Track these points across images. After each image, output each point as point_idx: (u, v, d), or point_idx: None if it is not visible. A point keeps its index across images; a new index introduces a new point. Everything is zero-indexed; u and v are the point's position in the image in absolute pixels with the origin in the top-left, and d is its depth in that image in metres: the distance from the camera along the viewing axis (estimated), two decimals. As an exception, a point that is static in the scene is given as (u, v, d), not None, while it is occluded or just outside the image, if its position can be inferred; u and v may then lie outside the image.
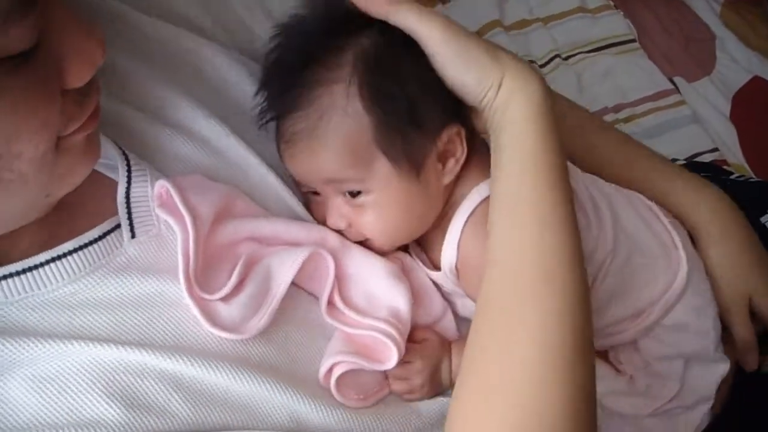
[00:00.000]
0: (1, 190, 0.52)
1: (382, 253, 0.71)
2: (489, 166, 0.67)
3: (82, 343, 0.57)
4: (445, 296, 0.75)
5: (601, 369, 0.82)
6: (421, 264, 0.74)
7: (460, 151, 0.71)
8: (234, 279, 0.61)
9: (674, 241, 0.80)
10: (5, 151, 0.49)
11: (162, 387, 0.57)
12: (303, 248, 0.64)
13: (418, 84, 0.68)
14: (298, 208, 0.71)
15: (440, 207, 0.73)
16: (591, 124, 0.95)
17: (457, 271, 0.71)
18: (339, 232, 0.71)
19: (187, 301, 0.59)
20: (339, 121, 0.66)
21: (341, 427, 0.63)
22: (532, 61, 1.49)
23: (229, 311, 0.61)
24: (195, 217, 0.61)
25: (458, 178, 0.72)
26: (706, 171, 1.19)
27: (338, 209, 0.70)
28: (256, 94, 0.72)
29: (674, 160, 1.30)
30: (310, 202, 0.74)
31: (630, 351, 0.80)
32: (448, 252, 0.70)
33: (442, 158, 0.71)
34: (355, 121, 0.66)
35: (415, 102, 0.68)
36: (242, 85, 0.76)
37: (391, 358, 0.65)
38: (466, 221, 0.69)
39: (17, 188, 0.53)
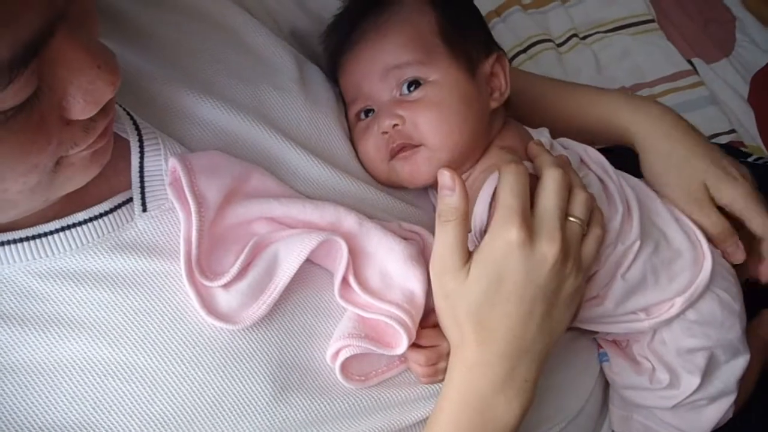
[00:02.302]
0: None
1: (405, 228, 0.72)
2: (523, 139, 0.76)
3: (72, 337, 0.58)
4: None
5: (621, 364, 0.83)
6: None
7: (504, 85, 0.79)
8: (236, 267, 0.61)
9: (698, 237, 0.80)
10: None
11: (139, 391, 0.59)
12: (313, 235, 0.63)
13: (475, 11, 0.83)
14: (325, 174, 0.71)
15: (486, 135, 0.77)
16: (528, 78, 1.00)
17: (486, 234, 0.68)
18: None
19: (187, 288, 0.59)
20: (407, 14, 0.77)
21: (338, 410, 0.64)
22: (549, 40, 1.48)
23: (227, 299, 0.61)
24: (200, 204, 0.61)
25: (495, 138, 0.77)
26: (723, 152, 1.19)
27: (392, 109, 0.74)
28: (325, 33, 0.83)
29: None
30: (358, 134, 0.78)
31: (652, 344, 0.80)
32: (480, 210, 0.68)
33: (490, 83, 0.78)
34: (422, 14, 0.77)
35: (472, 12, 0.82)
36: (273, 54, 0.77)
37: (401, 344, 0.65)
38: None
39: (6, 208, 0.53)
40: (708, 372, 0.79)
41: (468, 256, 0.65)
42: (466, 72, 0.76)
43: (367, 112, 0.78)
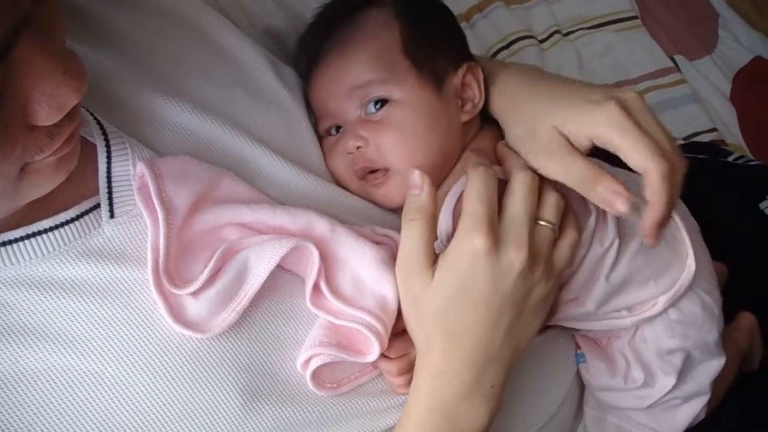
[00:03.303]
0: None
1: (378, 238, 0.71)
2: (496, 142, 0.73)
3: (38, 347, 0.57)
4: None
5: (597, 365, 0.82)
6: None
7: (478, 96, 0.76)
8: (205, 275, 0.60)
9: (683, 235, 0.79)
10: None
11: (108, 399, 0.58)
12: (284, 241, 0.62)
13: (445, 18, 0.80)
14: (297, 178, 0.70)
15: (457, 148, 0.75)
16: None
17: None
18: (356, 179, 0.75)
19: (154, 296, 0.59)
20: (371, 30, 0.75)
21: (309, 418, 0.64)
22: (531, 37, 1.47)
23: (196, 307, 0.60)
24: (168, 211, 0.60)
25: (469, 142, 0.76)
26: (705, 151, 1.19)
27: (356, 129, 0.73)
28: (298, 46, 0.81)
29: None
30: (328, 149, 0.76)
31: (633, 341, 0.80)
32: (444, 218, 0.67)
33: (461, 95, 0.75)
34: (386, 30, 0.74)
35: (441, 21, 0.79)
36: (248, 56, 0.76)
37: (372, 351, 0.64)
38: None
39: None
40: (683, 371, 0.79)
41: (434, 257, 0.64)
42: (432, 88, 0.73)
43: (338, 128, 0.76)
